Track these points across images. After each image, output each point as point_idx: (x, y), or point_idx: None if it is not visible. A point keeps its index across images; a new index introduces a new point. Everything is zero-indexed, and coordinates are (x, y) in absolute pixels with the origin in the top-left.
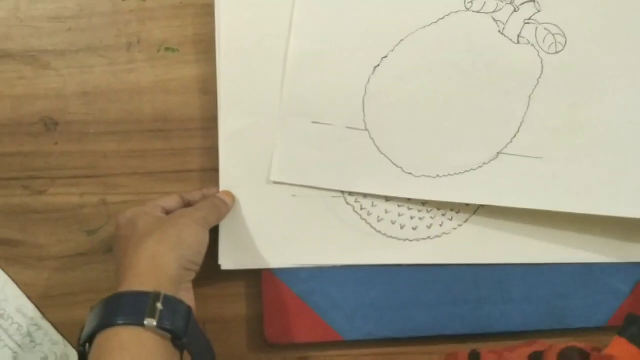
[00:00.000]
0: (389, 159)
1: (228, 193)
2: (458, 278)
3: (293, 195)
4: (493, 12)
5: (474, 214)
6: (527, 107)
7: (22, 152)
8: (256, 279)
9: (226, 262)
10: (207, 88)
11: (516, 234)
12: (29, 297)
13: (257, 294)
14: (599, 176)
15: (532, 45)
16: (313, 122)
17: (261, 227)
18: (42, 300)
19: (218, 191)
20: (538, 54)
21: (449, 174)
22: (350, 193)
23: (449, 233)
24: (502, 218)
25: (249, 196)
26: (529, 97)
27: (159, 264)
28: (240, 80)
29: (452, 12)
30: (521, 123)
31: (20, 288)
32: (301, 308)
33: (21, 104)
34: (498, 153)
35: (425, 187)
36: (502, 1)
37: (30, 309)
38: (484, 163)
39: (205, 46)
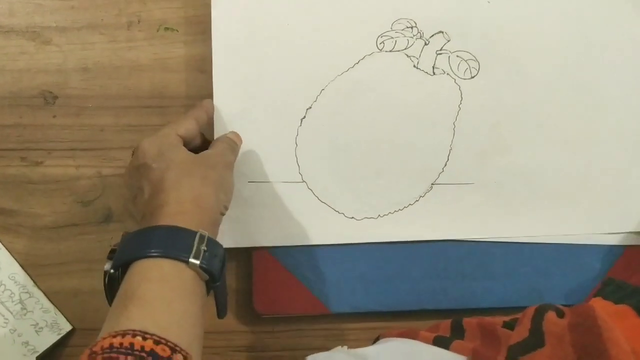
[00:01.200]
0: (331, 207)
1: (236, 134)
2: (442, 255)
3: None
4: (405, 49)
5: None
6: (454, 135)
7: (21, 124)
8: (247, 254)
9: (227, 241)
10: (204, 67)
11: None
12: (22, 266)
13: (247, 268)
14: (531, 195)
15: (447, 74)
16: (249, 181)
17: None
18: (35, 269)
19: (212, 101)
20: (455, 82)
21: (390, 212)
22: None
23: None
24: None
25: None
26: (454, 124)
27: (203, 206)
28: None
29: (366, 55)
30: (450, 151)
31: (13, 256)
32: (290, 281)
33: (22, 77)
34: (432, 184)
35: (369, 230)
36: (412, 37)
37: (22, 277)
38: (420, 196)
39: (203, 27)
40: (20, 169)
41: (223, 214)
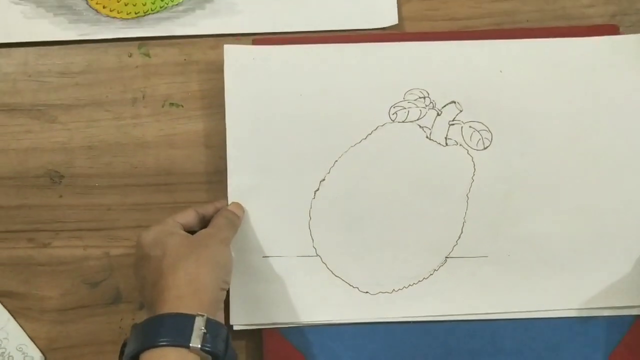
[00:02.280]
0: (345, 281)
1: (238, 205)
2: (452, 332)
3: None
4: (418, 119)
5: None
6: (467, 207)
7: (27, 205)
8: (257, 333)
9: (237, 320)
10: (211, 143)
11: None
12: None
13: (257, 347)
14: (544, 266)
15: (460, 145)
16: (264, 256)
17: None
18: (45, 353)
19: (227, 203)
20: (468, 153)
21: (404, 287)
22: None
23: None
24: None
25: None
26: (467, 196)
27: (199, 286)
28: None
29: (379, 126)
30: (463, 224)
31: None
32: None
33: (28, 157)
34: (446, 257)
35: (384, 306)
36: (425, 107)
37: (31, 348)
38: (435, 270)
39: (208, 102)
40: (27, 251)
41: (224, 289)
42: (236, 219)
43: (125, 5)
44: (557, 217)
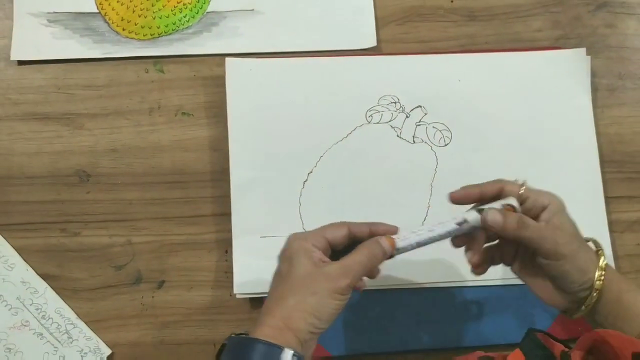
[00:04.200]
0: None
1: (390, 240)
2: (423, 300)
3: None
4: (390, 121)
5: None
6: (431, 194)
7: (59, 200)
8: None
9: (239, 290)
10: (217, 146)
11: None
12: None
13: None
14: None
15: (425, 142)
16: (261, 237)
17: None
18: None
19: (384, 230)
20: (431, 149)
21: None
22: None
23: None
24: None
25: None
26: (431, 185)
27: (291, 326)
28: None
29: (357, 126)
30: (428, 208)
31: (58, 295)
32: None
33: (59, 159)
34: None
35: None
36: (395, 111)
37: (67, 310)
38: None
39: (215, 111)
40: (60, 239)
41: (316, 333)
42: (380, 253)
43: (142, 28)
44: None
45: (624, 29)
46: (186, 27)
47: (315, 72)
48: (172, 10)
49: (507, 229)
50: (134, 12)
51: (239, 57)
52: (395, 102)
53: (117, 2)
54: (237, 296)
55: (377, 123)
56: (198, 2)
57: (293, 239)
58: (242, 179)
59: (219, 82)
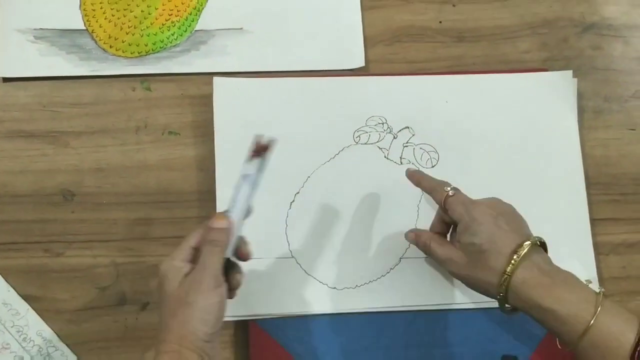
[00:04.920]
0: (315, 279)
1: (219, 217)
2: (410, 324)
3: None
4: (377, 142)
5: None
6: (418, 216)
7: (43, 219)
8: (244, 329)
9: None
10: (204, 166)
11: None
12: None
13: (244, 342)
14: None
15: (412, 164)
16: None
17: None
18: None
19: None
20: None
21: (366, 283)
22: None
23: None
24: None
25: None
26: (418, 206)
27: (187, 344)
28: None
29: (345, 147)
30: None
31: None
32: (281, 353)
33: (43, 177)
34: (400, 258)
35: (349, 299)
36: (383, 132)
37: (49, 332)
38: (391, 269)
39: (202, 131)
40: (43, 260)
41: (210, 341)
42: (221, 236)
43: (130, 45)
44: None
45: (611, 51)
46: (174, 45)
47: (304, 92)
48: (160, 28)
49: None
50: (121, 29)
51: (227, 76)
52: (382, 123)
53: (105, 19)
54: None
55: (365, 144)
56: (186, 20)
57: (161, 263)
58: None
59: (207, 101)
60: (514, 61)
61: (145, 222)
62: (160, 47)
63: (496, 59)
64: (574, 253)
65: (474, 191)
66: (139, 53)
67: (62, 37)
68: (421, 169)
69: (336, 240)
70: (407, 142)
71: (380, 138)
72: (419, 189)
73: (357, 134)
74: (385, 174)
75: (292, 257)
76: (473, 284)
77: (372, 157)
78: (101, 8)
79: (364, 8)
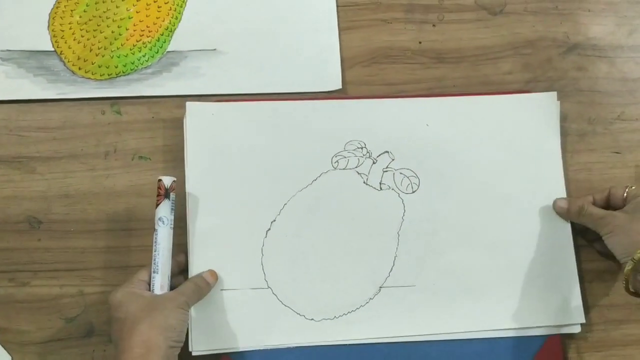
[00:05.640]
0: (293, 310)
1: (213, 274)
2: (388, 356)
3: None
4: (356, 167)
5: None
6: (398, 243)
7: (8, 247)
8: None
9: (197, 347)
10: (183, 188)
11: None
12: None
13: None
14: (464, 294)
15: (392, 189)
16: (222, 289)
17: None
18: None
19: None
20: (399, 196)
21: (344, 314)
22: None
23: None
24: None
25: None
26: (398, 234)
27: (150, 346)
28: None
29: (322, 173)
30: (395, 257)
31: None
32: None
33: (9, 204)
34: (380, 287)
35: (327, 330)
36: (362, 156)
37: None
38: (370, 299)
39: (173, 155)
40: (8, 289)
41: (174, 347)
42: (205, 286)
43: (99, 67)
44: (474, 251)
45: (595, 72)
46: (145, 67)
47: (280, 116)
48: (131, 49)
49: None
50: (91, 50)
51: (200, 99)
52: (362, 148)
53: (74, 40)
54: (194, 353)
55: (344, 169)
56: (158, 40)
57: (115, 292)
58: (201, 228)
59: (178, 125)
60: (496, 83)
61: (114, 250)
62: (131, 69)
63: (477, 81)
64: (558, 280)
65: (456, 216)
66: (109, 75)
67: (29, 59)
68: (401, 194)
69: (313, 270)
70: (386, 167)
71: (360, 163)
72: (399, 215)
73: (335, 159)
74: (364, 199)
75: (268, 287)
76: (621, 240)
77: (351, 183)
78: (70, 29)
79: (341, 29)
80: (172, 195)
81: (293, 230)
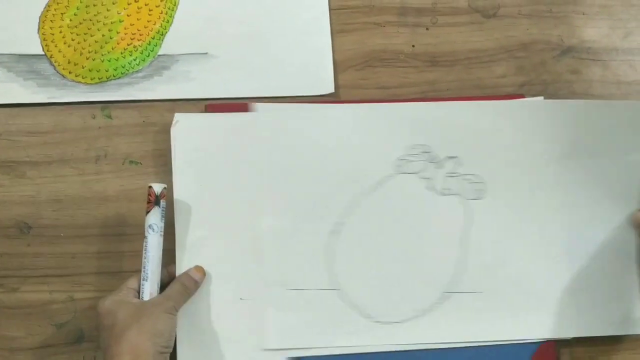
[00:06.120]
0: (359, 312)
1: (199, 269)
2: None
3: (241, 299)
4: (420, 171)
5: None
6: (461, 249)
7: None
8: None
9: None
10: (171, 196)
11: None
12: None
13: None
14: (530, 302)
15: (456, 195)
16: (288, 289)
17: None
18: None
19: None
20: (464, 201)
21: (410, 318)
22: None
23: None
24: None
25: (201, 299)
26: (463, 240)
27: (139, 352)
28: (193, 197)
29: (386, 176)
30: (459, 263)
31: None
32: None
33: None
34: (445, 292)
35: (393, 334)
36: (426, 161)
37: None
38: (436, 304)
39: (164, 160)
40: None
41: (164, 353)
42: (192, 285)
43: (90, 71)
44: (539, 259)
45: (590, 75)
46: (136, 71)
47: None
48: (121, 53)
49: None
50: (81, 54)
51: (191, 103)
52: (426, 152)
53: (64, 43)
54: (272, 348)
55: (408, 173)
56: (149, 44)
57: (104, 299)
58: (190, 236)
59: (169, 129)
60: (490, 86)
61: (104, 255)
62: (122, 73)
63: (471, 84)
64: (621, 290)
65: (520, 223)
66: (99, 79)
67: (19, 63)
68: (466, 200)
69: (381, 273)
70: (451, 172)
71: (424, 168)
72: (463, 221)
73: (399, 163)
74: (429, 205)
75: (334, 288)
76: None
77: (415, 187)
78: (60, 32)
79: (334, 32)
80: (162, 202)
81: (360, 235)
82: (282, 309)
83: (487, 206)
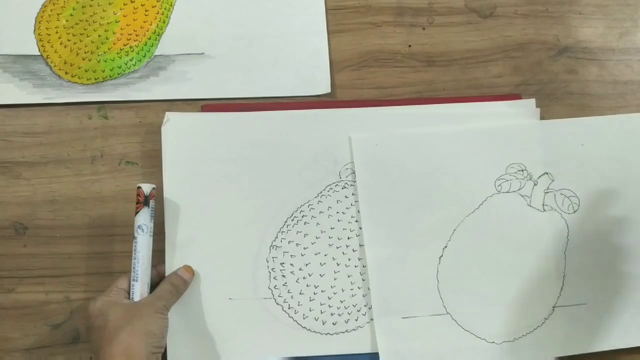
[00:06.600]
0: (473, 334)
1: (188, 269)
2: None
3: (230, 299)
4: (519, 189)
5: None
6: (566, 263)
7: None
8: None
9: None
10: (161, 197)
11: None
12: None
13: None
14: (632, 310)
15: (555, 210)
16: (403, 317)
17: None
18: None
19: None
20: (561, 216)
21: (523, 335)
22: (280, 295)
23: (363, 327)
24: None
25: (191, 299)
26: (564, 253)
27: (132, 354)
28: (183, 196)
29: (488, 197)
30: (564, 277)
31: None
32: None
33: None
34: (553, 307)
35: (508, 353)
36: (524, 179)
37: None
38: (546, 319)
39: (160, 160)
40: None
41: (156, 353)
42: (182, 284)
43: (86, 71)
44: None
45: (586, 75)
46: (132, 71)
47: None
48: (118, 53)
49: None
50: (77, 54)
51: (187, 104)
52: (522, 170)
53: (60, 44)
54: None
55: (507, 192)
56: (145, 45)
57: (95, 301)
58: (180, 237)
59: None
60: (486, 86)
61: (100, 256)
62: (118, 73)
63: (467, 84)
64: None
65: (620, 236)
66: (95, 79)
67: (15, 63)
68: (564, 214)
69: (489, 292)
70: (547, 188)
71: (522, 185)
72: (564, 235)
73: (498, 183)
74: (529, 221)
75: (447, 313)
76: None
77: (515, 205)
78: (57, 32)
79: (330, 32)
80: (151, 202)
81: (465, 256)
82: (398, 337)
83: (581, 219)
